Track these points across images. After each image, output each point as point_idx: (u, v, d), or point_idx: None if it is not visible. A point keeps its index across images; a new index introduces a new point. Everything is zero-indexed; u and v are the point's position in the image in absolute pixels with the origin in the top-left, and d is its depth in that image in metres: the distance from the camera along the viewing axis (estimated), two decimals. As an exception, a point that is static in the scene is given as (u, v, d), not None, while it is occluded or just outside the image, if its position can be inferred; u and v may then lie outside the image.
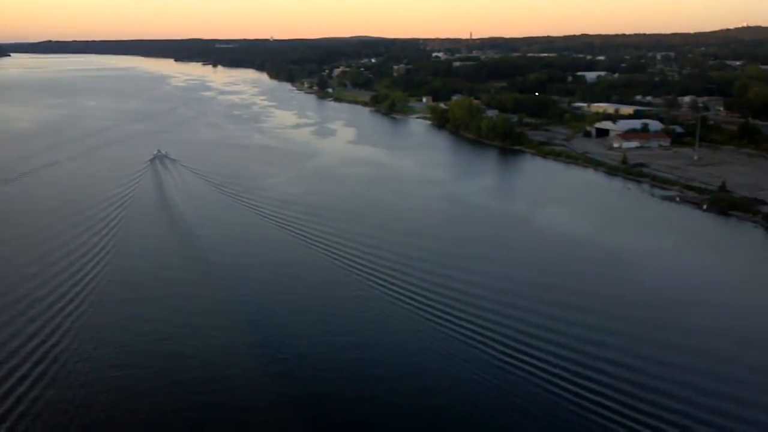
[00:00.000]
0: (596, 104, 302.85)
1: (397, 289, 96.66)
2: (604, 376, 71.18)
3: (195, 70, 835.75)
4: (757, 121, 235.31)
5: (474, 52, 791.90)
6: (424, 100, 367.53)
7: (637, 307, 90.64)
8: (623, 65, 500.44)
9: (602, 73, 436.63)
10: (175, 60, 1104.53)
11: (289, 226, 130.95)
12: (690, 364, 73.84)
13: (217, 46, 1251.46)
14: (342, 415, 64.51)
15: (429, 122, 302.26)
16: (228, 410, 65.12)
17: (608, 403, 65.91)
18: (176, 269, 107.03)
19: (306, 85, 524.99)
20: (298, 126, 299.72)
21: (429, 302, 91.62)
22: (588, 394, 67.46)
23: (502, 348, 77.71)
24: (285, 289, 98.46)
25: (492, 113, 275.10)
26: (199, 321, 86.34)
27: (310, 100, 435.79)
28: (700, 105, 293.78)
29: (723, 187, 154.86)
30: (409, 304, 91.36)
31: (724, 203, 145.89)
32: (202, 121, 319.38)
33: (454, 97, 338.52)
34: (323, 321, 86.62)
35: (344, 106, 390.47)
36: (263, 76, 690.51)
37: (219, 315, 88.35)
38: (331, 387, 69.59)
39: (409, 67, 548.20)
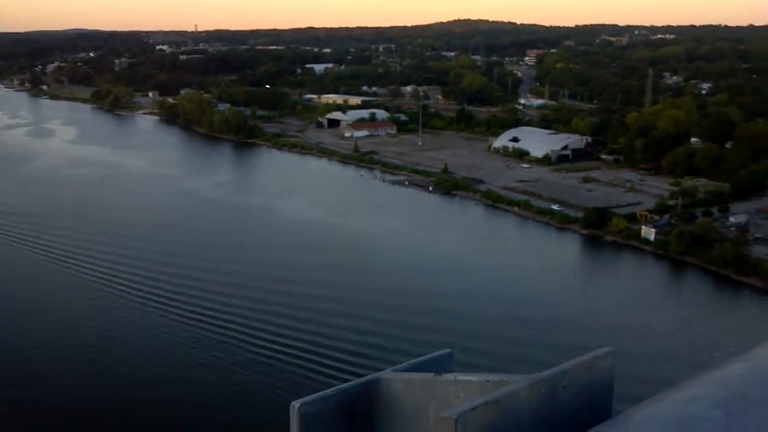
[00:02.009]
0: (326, 96, 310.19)
1: (134, 290, 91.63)
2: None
3: None
4: (471, 107, 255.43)
5: (201, 44, 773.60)
6: (151, 95, 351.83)
7: (377, 289, 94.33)
8: (349, 57, 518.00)
9: (330, 66, 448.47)
10: None
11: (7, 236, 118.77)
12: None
13: None
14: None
15: (158, 118, 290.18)
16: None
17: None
18: None
19: (16, 82, 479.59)
20: (10, 127, 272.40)
21: (169, 300, 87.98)
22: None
23: (244, 336, 76.74)
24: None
25: (224, 107, 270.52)
26: None
27: (21, 98, 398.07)
28: (421, 94, 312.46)
29: (445, 170, 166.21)
30: (148, 303, 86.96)
31: (447, 184, 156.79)
32: None
33: (183, 92, 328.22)
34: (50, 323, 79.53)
35: (62, 103, 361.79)
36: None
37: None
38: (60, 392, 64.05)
39: (132, 60, 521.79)
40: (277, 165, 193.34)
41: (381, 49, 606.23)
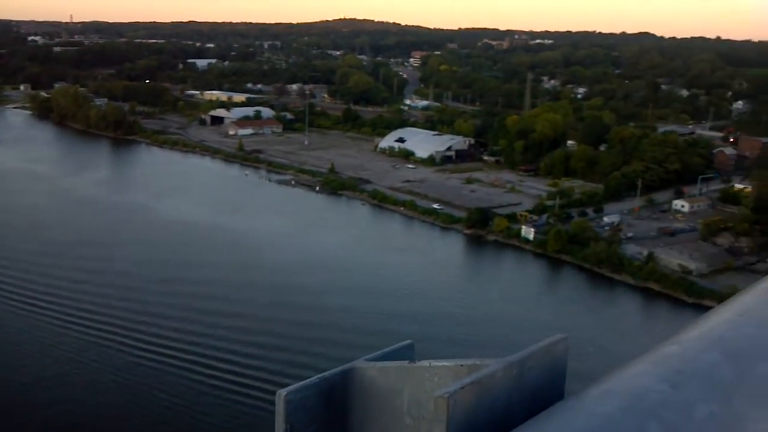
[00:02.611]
0: (209, 92, 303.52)
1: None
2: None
3: None
4: (358, 107, 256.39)
5: (76, 36, 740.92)
6: (22, 88, 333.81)
7: (262, 288, 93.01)
8: (233, 53, 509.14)
9: (213, 61, 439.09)
10: None
11: None
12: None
13: None
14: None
15: (30, 113, 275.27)
16: None
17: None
18: None
19: None
20: None
21: (38, 303, 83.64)
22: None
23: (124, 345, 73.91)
24: None
25: (101, 102, 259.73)
26: None
27: None
28: (307, 92, 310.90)
29: (332, 169, 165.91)
30: (18, 306, 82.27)
31: (334, 184, 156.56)
32: None
33: (57, 85, 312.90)
34: None
35: None
36: None
37: None
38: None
39: (2, 51, 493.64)
40: (158, 163, 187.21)
41: (266, 45, 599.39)
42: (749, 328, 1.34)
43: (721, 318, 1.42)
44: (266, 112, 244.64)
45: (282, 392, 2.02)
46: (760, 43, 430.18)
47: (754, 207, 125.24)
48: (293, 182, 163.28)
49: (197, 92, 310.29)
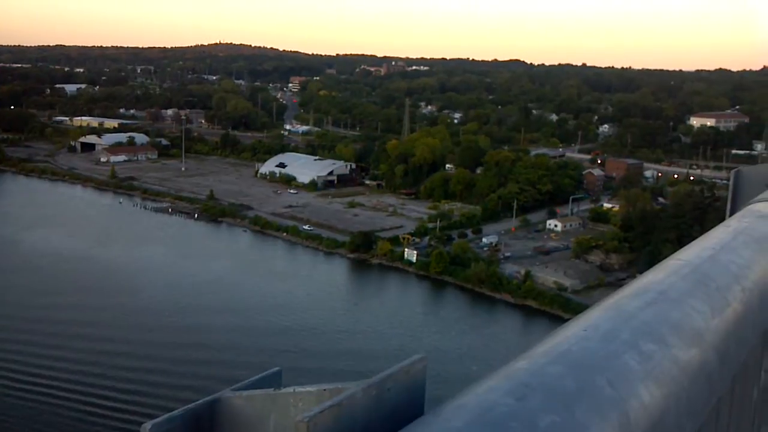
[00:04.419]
0: (79, 118, 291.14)
1: None
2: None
3: None
4: (237, 132, 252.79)
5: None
6: None
7: (138, 326, 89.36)
8: (104, 78, 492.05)
9: (83, 86, 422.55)
10: None
11: None
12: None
13: None
14: None
15: None
16: None
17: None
18: None
19: None
20: None
21: None
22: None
23: None
24: None
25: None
26: None
27: None
28: (183, 117, 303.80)
29: (211, 196, 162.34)
30: None
31: (213, 211, 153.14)
32: None
33: None
34: None
35: None
36: None
37: None
38: None
39: None
40: (26, 192, 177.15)
41: (139, 70, 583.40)
42: (591, 342, 1.45)
43: (568, 333, 1.52)
44: (140, 138, 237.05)
45: (147, 425, 1.98)
46: (623, 69, 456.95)
47: (621, 225, 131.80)
48: (170, 210, 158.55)
49: (66, 118, 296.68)
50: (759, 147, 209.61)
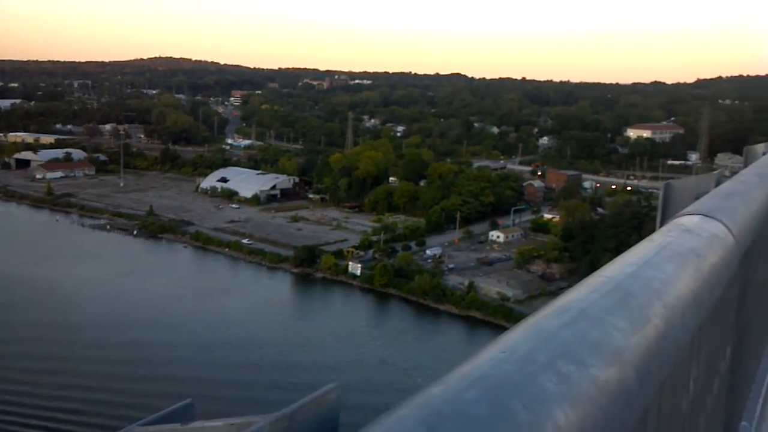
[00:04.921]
0: (13, 134, 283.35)
1: None
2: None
3: None
4: (177, 147, 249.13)
5: None
6: None
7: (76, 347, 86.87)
8: (40, 93, 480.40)
9: (17, 101, 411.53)
10: None
11: None
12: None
13: None
14: None
15: None
16: None
17: None
18: None
19: None
20: None
21: None
22: None
23: None
24: None
25: None
26: None
27: None
28: (122, 132, 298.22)
29: (151, 212, 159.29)
30: None
31: (153, 227, 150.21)
32: None
33: None
34: None
35: None
36: None
37: None
38: None
39: None
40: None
41: (76, 84, 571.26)
42: (509, 365, 1.43)
43: (487, 355, 1.49)
44: (77, 153, 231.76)
45: None
46: (561, 83, 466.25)
47: (562, 235, 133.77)
48: (109, 227, 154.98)
49: (1, 134, 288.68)
50: (693, 157, 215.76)
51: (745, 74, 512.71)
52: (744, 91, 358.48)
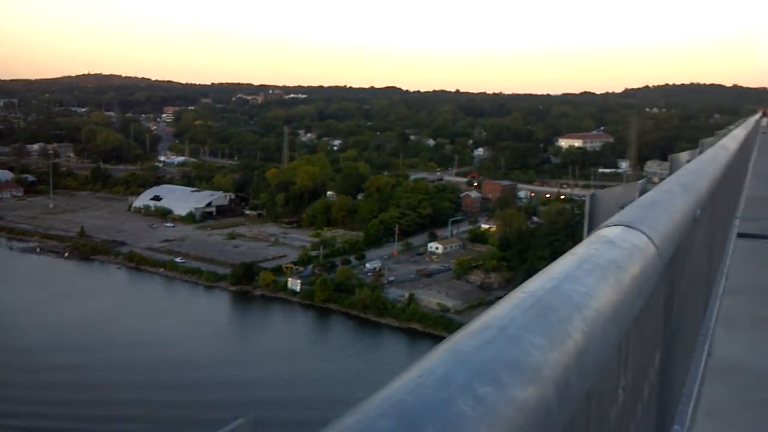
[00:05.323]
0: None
1: None
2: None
3: None
4: (108, 165, 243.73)
5: None
6: None
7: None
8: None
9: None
10: None
11: None
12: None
13: None
14: None
15: None
16: None
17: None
18: None
19: None
20: None
21: None
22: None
23: None
24: None
25: None
26: None
27: None
28: (51, 152, 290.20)
29: (82, 233, 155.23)
30: None
31: (85, 249, 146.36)
32: None
33: None
34: None
35: None
36: None
37: None
38: None
39: None
40: None
41: (1, 103, 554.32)
42: (425, 389, 1.39)
43: (404, 380, 1.45)
44: (4, 174, 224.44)
45: None
46: (494, 95, 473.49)
47: (499, 245, 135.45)
48: (39, 249, 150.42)
49: None
50: (624, 165, 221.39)
51: (671, 83, 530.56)
52: (670, 100, 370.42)
